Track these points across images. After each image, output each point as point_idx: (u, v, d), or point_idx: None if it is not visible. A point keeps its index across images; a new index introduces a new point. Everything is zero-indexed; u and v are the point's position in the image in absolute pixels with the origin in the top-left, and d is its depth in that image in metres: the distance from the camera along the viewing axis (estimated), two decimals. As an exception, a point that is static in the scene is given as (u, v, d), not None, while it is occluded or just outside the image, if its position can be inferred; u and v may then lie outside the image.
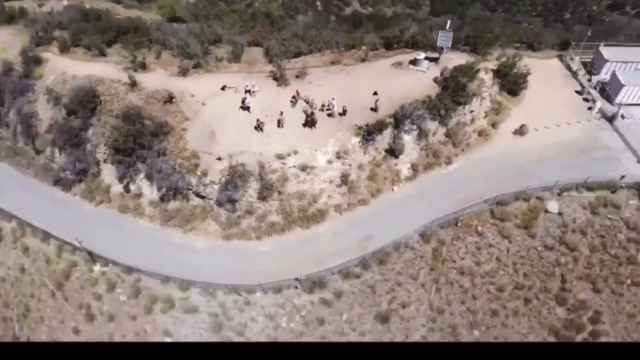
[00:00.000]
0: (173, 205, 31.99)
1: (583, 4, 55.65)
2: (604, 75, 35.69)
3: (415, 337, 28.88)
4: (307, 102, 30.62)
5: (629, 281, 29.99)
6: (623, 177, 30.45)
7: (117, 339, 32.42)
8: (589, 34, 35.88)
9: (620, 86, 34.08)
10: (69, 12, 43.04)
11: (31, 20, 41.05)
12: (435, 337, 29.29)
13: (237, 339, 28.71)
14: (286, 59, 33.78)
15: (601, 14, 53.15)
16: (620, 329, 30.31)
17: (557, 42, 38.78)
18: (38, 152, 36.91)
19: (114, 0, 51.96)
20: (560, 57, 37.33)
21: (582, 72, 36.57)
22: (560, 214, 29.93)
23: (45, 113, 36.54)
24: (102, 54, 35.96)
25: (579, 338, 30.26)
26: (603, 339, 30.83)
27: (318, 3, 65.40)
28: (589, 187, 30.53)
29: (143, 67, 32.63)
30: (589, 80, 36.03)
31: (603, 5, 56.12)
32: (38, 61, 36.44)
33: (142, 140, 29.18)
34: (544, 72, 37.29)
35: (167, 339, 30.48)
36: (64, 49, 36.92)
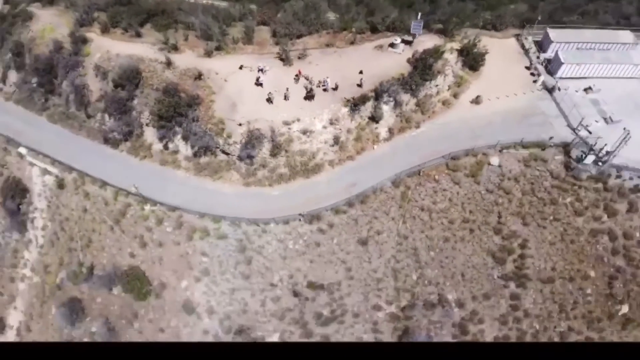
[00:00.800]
0: (204, 159, 41.11)
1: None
2: (550, 53, 43.28)
3: (387, 256, 39.25)
4: (307, 80, 38.74)
5: (551, 217, 39.77)
6: (551, 138, 39.20)
7: (166, 261, 43.02)
8: (539, 18, 43.15)
9: (560, 63, 41.84)
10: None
11: (71, 2, 47.76)
12: (401, 257, 39.67)
13: (257, 256, 39.15)
14: (289, 41, 41.40)
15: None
16: (543, 253, 40.65)
17: (516, 22, 46.04)
18: (89, 116, 45.33)
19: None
20: (517, 37, 44.75)
21: (533, 50, 44.16)
22: (500, 166, 39.06)
23: (95, 85, 44.58)
24: (138, 35, 43.34)
25: (510, 259, 40.62)
26: (529, 260, 41.29)
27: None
28: (524, 146, 39.28)
29: (175, 48, 40.25)
30: (538, 57, 43.72)
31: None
32: (84, 41, 43.83)
33: (180, 110, 37.63)
34: (502, 50, 44.79)
35: (205, 259, 40.95)
36: (105, 30, 44.15)
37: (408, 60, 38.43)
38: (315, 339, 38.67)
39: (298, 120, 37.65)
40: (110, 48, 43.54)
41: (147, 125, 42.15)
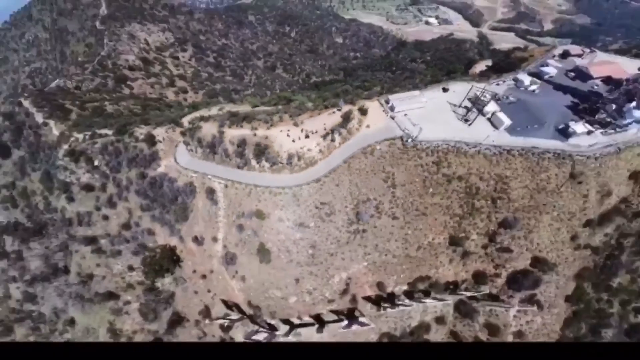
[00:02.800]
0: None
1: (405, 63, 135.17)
2: (391, 104, 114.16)
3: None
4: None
5: (408, 162, 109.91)
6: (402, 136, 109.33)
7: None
8: (385, 85, 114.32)
9: (394, 107, 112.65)
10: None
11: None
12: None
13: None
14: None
15: (405, 66, 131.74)
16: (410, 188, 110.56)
17: (380, 91, 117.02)
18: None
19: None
20: (379, 100, 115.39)
21: (389, 107, 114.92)
22: (380, 149, 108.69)
23: None
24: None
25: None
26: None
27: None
28: (389, 139, 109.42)
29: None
30: (387, 102, 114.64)
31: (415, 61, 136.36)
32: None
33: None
34: (376, 108, 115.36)
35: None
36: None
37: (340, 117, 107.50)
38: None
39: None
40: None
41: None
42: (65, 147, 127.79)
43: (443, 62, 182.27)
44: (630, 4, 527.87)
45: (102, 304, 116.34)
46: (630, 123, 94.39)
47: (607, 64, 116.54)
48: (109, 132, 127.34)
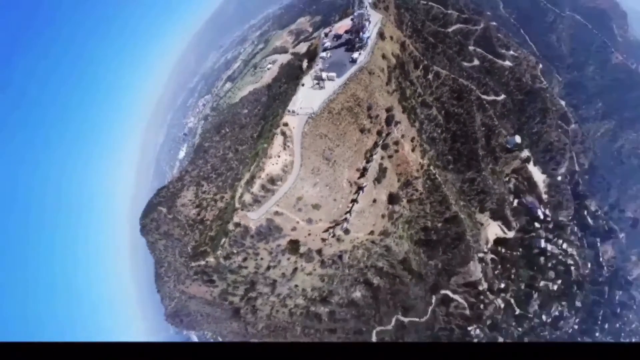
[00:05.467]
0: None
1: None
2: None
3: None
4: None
5: None
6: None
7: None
8: None
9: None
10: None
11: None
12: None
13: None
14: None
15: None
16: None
17: None
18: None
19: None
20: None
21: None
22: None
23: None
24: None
25: None
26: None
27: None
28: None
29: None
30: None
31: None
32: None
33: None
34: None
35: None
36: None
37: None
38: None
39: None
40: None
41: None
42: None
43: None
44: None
45: None
46: (368, 37, 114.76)
47: (343, 26, 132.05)
48: None
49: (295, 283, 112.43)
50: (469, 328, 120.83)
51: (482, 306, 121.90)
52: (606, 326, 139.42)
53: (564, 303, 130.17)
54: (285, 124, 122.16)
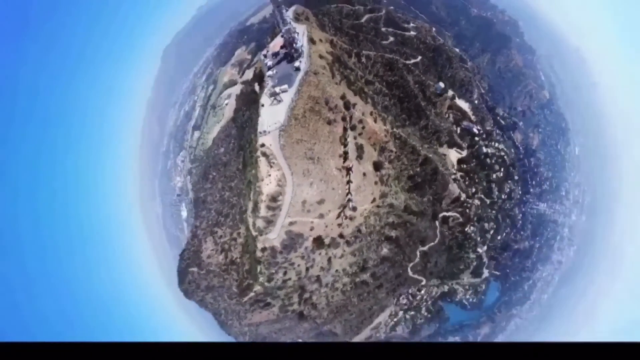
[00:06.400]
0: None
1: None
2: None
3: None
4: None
5: None
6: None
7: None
8: None
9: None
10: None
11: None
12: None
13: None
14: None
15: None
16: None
17: None
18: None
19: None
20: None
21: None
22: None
23: None
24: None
25: None
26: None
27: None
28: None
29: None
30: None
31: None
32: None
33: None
34: None
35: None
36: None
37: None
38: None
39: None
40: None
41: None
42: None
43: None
44: None
45: None
46: (301, 46, 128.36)
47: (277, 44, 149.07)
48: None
49: (334, 269, 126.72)
50: (466, 229, 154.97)
51: (467, 210, 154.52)
52: (534, 182, 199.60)
53: (509, 181, 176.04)
54: (262, 145, 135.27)
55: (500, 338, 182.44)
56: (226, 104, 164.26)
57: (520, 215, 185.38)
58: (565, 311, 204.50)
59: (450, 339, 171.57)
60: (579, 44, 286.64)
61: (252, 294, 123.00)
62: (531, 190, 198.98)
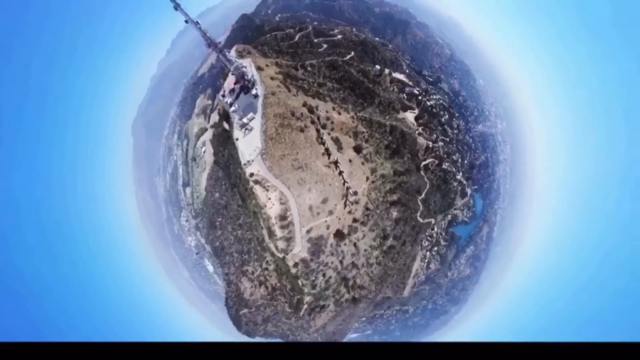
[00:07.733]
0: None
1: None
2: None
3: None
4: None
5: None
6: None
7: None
8: None
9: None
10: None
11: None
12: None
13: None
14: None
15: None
16: None
17: None
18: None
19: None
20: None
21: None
22: None
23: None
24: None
25: None
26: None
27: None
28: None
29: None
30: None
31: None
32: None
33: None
34: None
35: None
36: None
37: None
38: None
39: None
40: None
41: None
42: None
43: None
44: None
45: None
46: (252, 75, 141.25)
47: (230, 81, 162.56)
48: None
49: (363, 250, 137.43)
50: (443, 166, 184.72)
51: (438, 152, 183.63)
52: (468, 113, 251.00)
53: (453, 119, 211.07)
54: (252, 174, 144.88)
55: (495, 232, 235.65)
56: (204, 152, 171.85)
57: (470, 139, 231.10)
58: (525, 190, 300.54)
59: (468, 251, 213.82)
60: (450, 14, 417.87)
61: (305, 307, 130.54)
62: (469, 119, 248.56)
